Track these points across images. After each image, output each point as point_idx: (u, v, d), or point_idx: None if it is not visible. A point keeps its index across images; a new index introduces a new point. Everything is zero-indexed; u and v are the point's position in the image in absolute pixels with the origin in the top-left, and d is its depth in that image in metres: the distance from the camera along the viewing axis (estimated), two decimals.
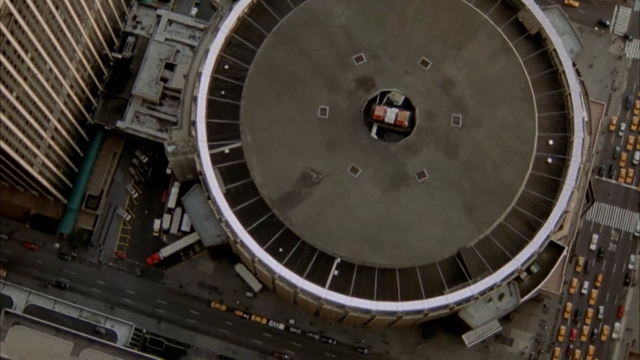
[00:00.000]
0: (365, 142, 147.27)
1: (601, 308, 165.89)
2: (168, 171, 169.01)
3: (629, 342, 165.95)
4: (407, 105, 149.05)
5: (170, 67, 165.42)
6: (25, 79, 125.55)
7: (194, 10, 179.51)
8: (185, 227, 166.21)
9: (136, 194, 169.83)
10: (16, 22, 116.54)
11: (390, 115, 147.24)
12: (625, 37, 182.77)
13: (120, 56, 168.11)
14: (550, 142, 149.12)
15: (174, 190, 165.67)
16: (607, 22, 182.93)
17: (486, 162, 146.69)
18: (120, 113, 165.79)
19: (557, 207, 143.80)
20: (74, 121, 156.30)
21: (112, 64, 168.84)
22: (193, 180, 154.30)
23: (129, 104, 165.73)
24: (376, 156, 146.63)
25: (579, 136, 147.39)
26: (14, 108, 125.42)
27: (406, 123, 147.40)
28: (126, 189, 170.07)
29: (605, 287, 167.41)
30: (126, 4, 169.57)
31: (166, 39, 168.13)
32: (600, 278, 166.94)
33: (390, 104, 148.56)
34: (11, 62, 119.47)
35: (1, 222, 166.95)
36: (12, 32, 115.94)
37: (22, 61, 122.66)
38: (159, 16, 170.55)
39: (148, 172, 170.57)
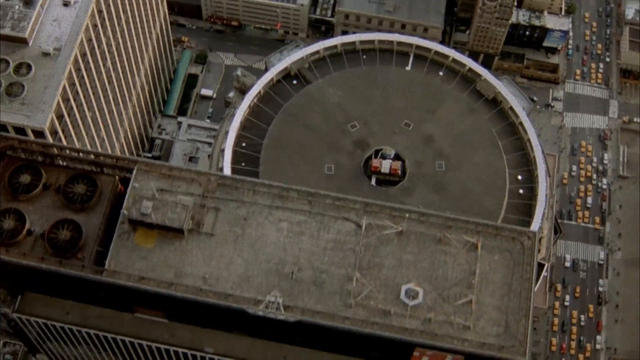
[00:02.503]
0: (367, 190, 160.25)
1: (582, 317, 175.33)
2: None
3: (611, 355, 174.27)
4: (397, 158, 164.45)
5: (193, 159, 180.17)
6: (87, 134, 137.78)
7: (207, 121, 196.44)
8: None
9: None
10: (83, 77, 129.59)
11: (386, 166, 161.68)
12: (561, 112, 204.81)
13: (150, 155, 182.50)
14: (519, 177, 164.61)
15: None
16: (535, 98, 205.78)
17: (470, 196, 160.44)
18: None
19: (534, 224, 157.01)
20: None
21: None
22: None
23: None
24: (378, 199, 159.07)
25: (541, 168, 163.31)
26: None
27: (399, 171, 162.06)
28: None
29: (584, 305, 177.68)
30: (153, 114, 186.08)
31: (188, 139, 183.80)
32: (578, 289, 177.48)
33: (384, 157, 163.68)
34: (79, 111, 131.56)
35: None
36: (80, 84, 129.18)
37: (86, 116, 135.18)
38: (179, 122, 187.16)
39: None
